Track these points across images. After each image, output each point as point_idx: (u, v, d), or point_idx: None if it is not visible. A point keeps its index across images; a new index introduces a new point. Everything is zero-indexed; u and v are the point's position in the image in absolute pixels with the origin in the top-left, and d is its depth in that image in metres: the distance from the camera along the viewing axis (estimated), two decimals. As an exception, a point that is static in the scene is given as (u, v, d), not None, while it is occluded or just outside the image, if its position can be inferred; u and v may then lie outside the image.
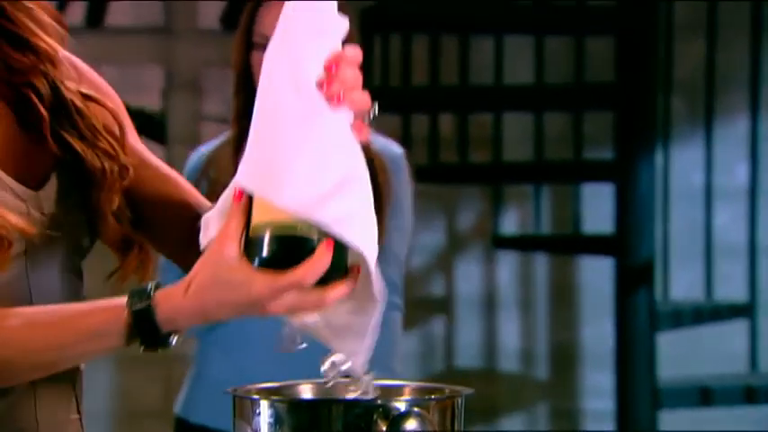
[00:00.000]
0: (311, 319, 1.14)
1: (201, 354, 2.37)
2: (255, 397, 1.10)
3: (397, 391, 1.15)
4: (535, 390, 4.56)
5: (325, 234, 1.11)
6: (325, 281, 1.11)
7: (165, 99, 4.40)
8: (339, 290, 1.14)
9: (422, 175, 3.90)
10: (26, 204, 1.26)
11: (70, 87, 1.30)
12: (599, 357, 4.19)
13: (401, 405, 1.06)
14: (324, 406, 1.11)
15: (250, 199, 1.14)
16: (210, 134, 4.35)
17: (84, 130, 1.29)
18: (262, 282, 1.12)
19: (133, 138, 1.36)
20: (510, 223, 4.43)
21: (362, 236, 1.12)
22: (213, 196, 2.27)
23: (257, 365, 2.25)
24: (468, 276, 4.52)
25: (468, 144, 3.86)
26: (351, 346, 1.15)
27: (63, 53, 1.30)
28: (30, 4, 1.28)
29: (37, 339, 1.19)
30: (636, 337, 3.56)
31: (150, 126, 4.38)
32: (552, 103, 3.84)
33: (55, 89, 1.29)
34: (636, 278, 3.54)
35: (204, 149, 2.40)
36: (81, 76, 1.33)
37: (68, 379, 1.30)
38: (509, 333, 4.54)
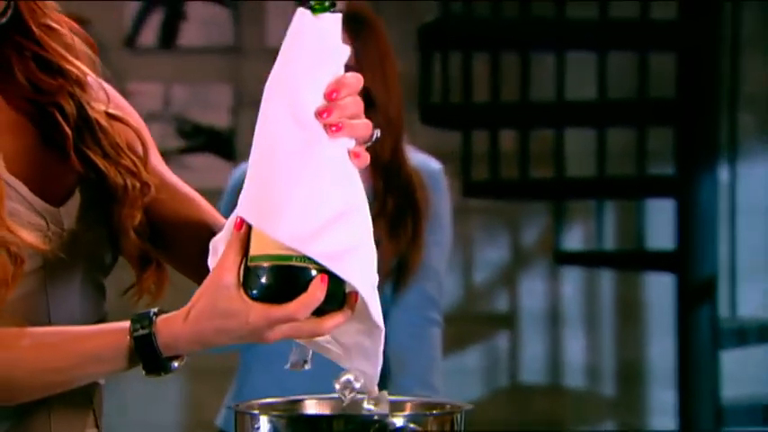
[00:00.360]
0: (321, 338, 1.13)
1: (243, 367, 2.37)
2: (255, 412, 1.09)
3: (398, 406, 1.12)
4: (601, 406, 4.49)
5: (321, 266, 1.09)
6: (321, 311, 1.11)
7: (233, 116, 4.43)
8: (335, 320, 1.14)
9: (482, 190, 3.89)
10: (45, 220, 1.27)
11: (96, 107, 1.32)
12: (665, 375, 4.11)
13: (399, 420, 1.04)
14: (322, 421, 1.10)
15: (250, 228, 1.14)
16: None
17: (108, 148, 1.31)
18: (257, 312, 1.13)
19: (155, 158, 1.38)
20: (574, 239, 4.37)
21: (359, 269, 1.11)
22: None
23: (296, 380, 2.25)
24: (532, 292, 4.47)
25: (529, 160, 3.82)
26: (362, 365, 1.15)
27: (92, 77, 1.33)
28: (62, 31, 1.31)
29: (45, 360, 1.20)
30: (698, 355, 3.48)
31: (219, 143, 4.41)
32: (615, 118, 3.78)
33: (80, 108, 1.31)
34: (697, 295, 3.46)
35: (245, 166, 2.37)
36: (108, 97, 1.35)
37: (85, 394, 1.30)
38: (574, 349, 4.48)
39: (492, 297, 4.52)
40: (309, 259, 1.09)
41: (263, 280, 1.10)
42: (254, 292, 1.11)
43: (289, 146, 1.11)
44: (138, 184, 1.31)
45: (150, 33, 4.40)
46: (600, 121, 3.75)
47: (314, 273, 1.09)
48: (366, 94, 2.24)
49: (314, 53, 1.13)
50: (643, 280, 4.35)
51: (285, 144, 1.11)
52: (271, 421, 1.07)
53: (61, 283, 1.29)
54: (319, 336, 1.15)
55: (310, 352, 1.14)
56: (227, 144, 4.42)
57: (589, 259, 4.04)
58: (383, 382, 2.26)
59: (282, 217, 1.09)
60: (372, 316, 1.12)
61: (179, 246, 1.36)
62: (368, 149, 2.23)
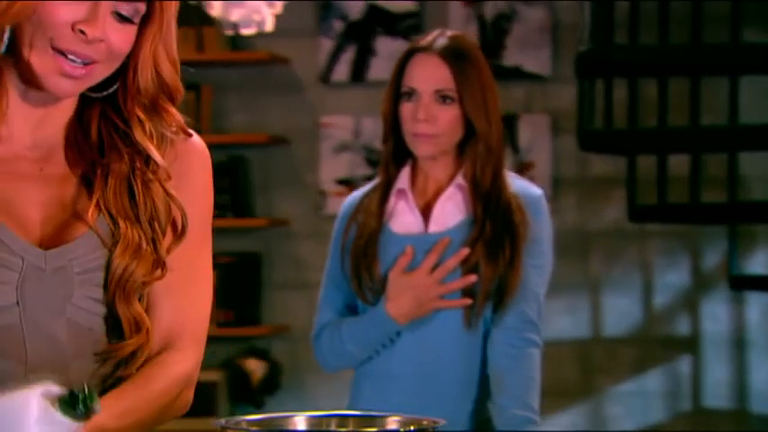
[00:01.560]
0: None
1: (355, 386, 2.37)
2: (242, 426, 1.07)
3: (378, 421, 1.09)
4: (788, 432, 4.25)
5: None
6: None
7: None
8: None
9: (648, 215, 3.76)
10: (22, 260, 1.31)
11: (150, 177, 1.36)
12: None
13: (375, 438, 1.01)
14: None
15: None
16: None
17: (142, 215, 1.35)
18: None
19: (191, 244, 1.39)
20: (758, 263, 4.17)
21: None
22: (361, 240, 2.28)
23: (403, 399, 2.25)
24: (713, 316, 4.28)
25: (702, 183, 3.66)
26: None
27: (163, 162, 1.36)
28: (146, 123, 1.36)
29: None
30: None
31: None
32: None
33: (131, 173, 1.35)
34: None
35: (357, 194, 2.39)
36: (180, 178, 1.38)
37: None
38: (760, 374, 4.26)
39: (672, 320, 4.35)
40: None
41: None
42: None
43: None
44: (151, 256, 1.34)
45: (343, 69, 4.49)
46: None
47: None
48: (468, 124, 2.26)
49: None
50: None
51: None
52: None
53: (40, 318, 1.30)
54: None
55: None
56: (412, 172, 4.44)
57: (764, 284, 3.83)
58: (483, 400, 2.26)
59: None
60: None
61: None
62: (470, 177, 2.23)
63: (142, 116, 1.35)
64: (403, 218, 2.29)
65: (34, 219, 1.33)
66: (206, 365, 4.72)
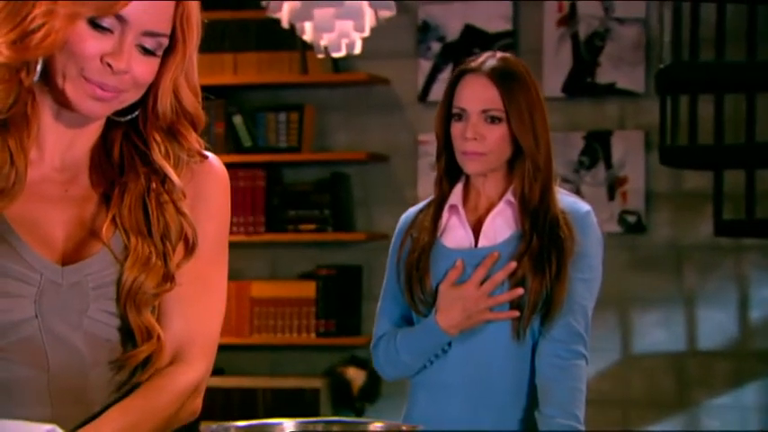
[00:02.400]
0: None
1: (411, 395, 2.39)
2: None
3: (361, 427, 1.10)
4: None
5: None
6: None
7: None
8: None
9: (734, 229, 3.67)
10: (41, 275, 1.35)
11: (165, 198, 1.40)
12: None
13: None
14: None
15: None
16: (552, 193, 4.34)
17: (155, 232, 1.39)
18: None
19: (202, 259, 1.42)
20: None
21: None
22: (414, 254, 2.32)
23: (455, 408, 2.27)
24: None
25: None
26: None
27: (178, 182, 1.41)
28: (163, 145, 1.41)
29: None
30: None
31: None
32: None
33: (146, 192, 1.40)
34: None
35: (413, 210, 2.42)
36: (195, 197, 1.43)
37: None
38: None
39: (768, 334, 4.24)
40: None
41: None
42: None
43: None
44: (161, 269, 1.38)
45: (440, 88, 4.49)
46: None
47: None
48: (516, 142, 2.28)
49: None
50: None
51: None
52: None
53: (59, 329, 1.35)
54: None
55: None
56: (507, 187, 4.43)
57: None
58: (532, 410, 2.26)
59: None
60: None
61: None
62: (518, 194, 2.26)
63: (159, 139, 1.40)
64: (455, 233, 2.31)
65: (57, 237, 1.38)
66: (309, 373, 4.80)
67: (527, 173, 2.26)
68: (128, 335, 1.40)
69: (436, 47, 4.48)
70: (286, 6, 3.24)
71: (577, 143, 4.37)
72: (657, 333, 4.30)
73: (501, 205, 2.29)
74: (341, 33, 3.25)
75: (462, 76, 2.31)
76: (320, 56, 3.42)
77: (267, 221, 4.48)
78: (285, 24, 3.31)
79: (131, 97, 1.38)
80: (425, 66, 4.51)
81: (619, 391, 4.32)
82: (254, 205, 4.48)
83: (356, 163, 4.52)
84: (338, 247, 4.50)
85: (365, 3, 3.21)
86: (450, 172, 2.34)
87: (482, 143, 2.26)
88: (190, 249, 1.40)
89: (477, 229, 2.30)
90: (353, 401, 4.42)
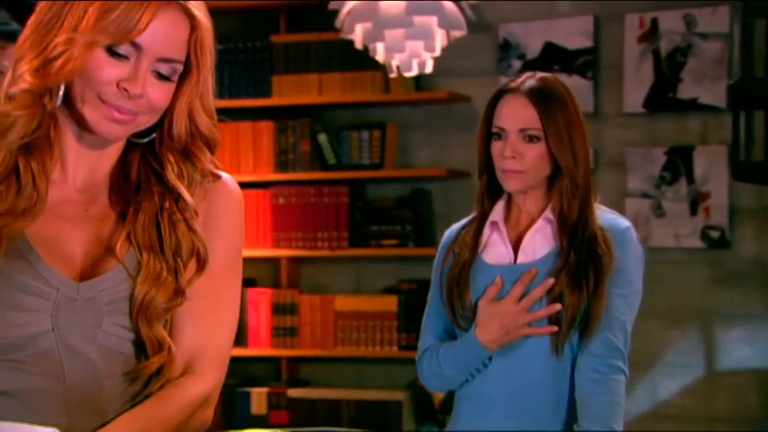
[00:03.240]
0: None
1: (456, 407, 2.37)
2: None
3: None
4: None
5: None
6: None
7: (593, 177, 4.31)
8: None
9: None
10: (57, 290, 1.38)
11: (177, 217, 1.43)
12: None
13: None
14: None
15: None
16: (633, 209, 4.22)
17: (167, 249, 1.42)
18: None
19: (213, 275, 1.44)
20: None
21: None
22: (456, 269, 2.32)
23: (496, 421, 2.26)
24: None
25: None
26: None
27: (191, 201, 1.44)
28: (176, 165, 1.45)
29: None
30: None
31: (580, 202, 4.32)
32: None
33: (160, 210, 1.43)
34: None
35: (456, 227, 2.42)
36: (207, 215, 1.46)
37: None
38: None
39: None
40: None
41: None
42: None
43: None
44: (172, 284, 1.41)
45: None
46: None
47: None
48: (554, 161, 2.26)
49: None
50: None
51: None
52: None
53: (75, 342, 1.38)
54: None
55: None
56: (587, 203, 4.33)
57: None
58: (573, 423, 2.23)
59: None
60: None
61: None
62: (557, 211, 2.25)
63: (172, 159, 1.43)
64: (495, 249, 2.31)
65: (76, 254, 1.42)
66: (392, 386, 4.75)
67: (566, 190, 2.25)
68: (141, 347, 1.42)
69: (517, 64, 4.41)
70: (359, 28, 3.23)
71: (659, 158, 4.26)
72: (742, 349, 4.15)
73: (540, 222, 2.28)
74: (412, 53, 3.23)
75: (501, 95, 2.32)
76: (392, 75, 3.42)
77: (350, 237, 4.47)
78: (359, 45, 3.31)
79: (148, 120, 1.41)
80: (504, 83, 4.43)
81: (703, 407, 4.18)
82: (337, 221, 4.47)
83: (437, 179, 4.47)
84: (419, 262, 4.44)
85: (435, 23, 3.18)
86: (491, 189, 2.34)
87: (521, 161, 2.25)
88: (201, 265, 1.43)
89: (517, 246, 2.30)
90: (435, 414, 4.36)
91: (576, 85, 4.38)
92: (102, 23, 1.34)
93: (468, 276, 2.27)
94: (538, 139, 2.25)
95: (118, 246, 1.41)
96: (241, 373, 4.59)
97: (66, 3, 1.37)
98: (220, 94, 4.66)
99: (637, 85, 4.29)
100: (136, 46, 1.36)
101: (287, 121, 4.52)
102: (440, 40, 3.26)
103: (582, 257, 2.21)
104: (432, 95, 4.45)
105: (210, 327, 1.45)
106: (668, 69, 4.25)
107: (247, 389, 4.50)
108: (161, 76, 1.39)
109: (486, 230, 2.32)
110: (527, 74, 2.33)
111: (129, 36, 1.35)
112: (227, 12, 4.62)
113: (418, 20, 3.14)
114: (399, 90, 4.43)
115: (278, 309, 4.52)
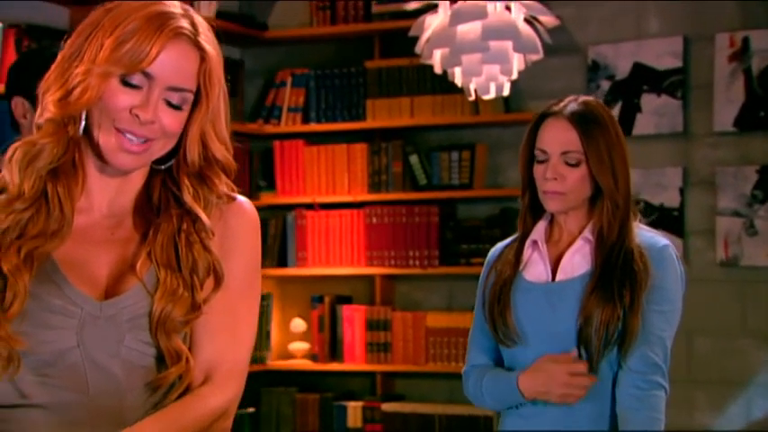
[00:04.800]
0: None
1: (502, 416, 2.34)
2: None
3: None
4: None
5: None
6: None
7: (682, 196, 4.13)
8: None
9: None
10: (81, 309, 1.42)
11: (194, 237, 1.46)
12: None
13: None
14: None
15: None
16: (724, 227, 4.00)
17: (184, 267, 1.45)
18: None
19: (229, 292, 1.47)
20: None
21: None
22: (497, 286, 2.28)
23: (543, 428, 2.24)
24: None
25: None
26: None
27: (208, 222, 1.48)
28: (192, 188, 1.49)
29: None
30: None
31: (669, 220, 4.14)
32: None
33: (178, 231, 1.47)
34: None
35: (500, 245, 2.38)
36: (222, 235, 1.49)
37: None
38: None
39: None
40: None
41: None
42: None
43: None
44: (188, 300, 1.44)
45: (610, 125, 4.25)
46: None
47: None
48: (595, 182, 2.21)
49: None
50: None
51: None
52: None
53: (99, 358, 1.42)
54: None
55: None
56: (677, 221, 4.13)
57: None
58: None
59: None
60: None
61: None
62: (597, 232, 2.23)
63: (188, 183, 1.48)
64: (534, 267, 2.28)
65: (101, 276, 1.46)
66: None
67: (606, 211, 2.22)
68: (161, 361, 1.46)
69: (605, 85, 4.26)
70: (437, 54, 3.22)
71: (751, 177, 4.05)
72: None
73: (579, 242, 2.25)
74: (489, 77, 3.22)
75: (544, 119, 2.28)
76: (470, 98, 3.41)
77: (441, 255, 4.39)
78: (438, 70, 3.33)
79: (163, 146, 1.46)
80: (595, 104, 4.26)
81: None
82: (428, 240, 4.40)
83: (527, 199, 4.32)
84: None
85: (511, 47, 3.16)
86: (534, 209, 2.31)
87: (562, 183, 2.22)
88: (218, 282, 1.46)
89: (557, 264, 2.27)
90: (525, 430, 4.21)
91: (665, 105, 4.20)
92: (116, 55, 1.40)
93: (508, 294, 2.25)
94: (579, 163, 2.23)
95: (139, 264, 1.45)
96: (338, 387, 4.54)
97: (87, 38, 1.43)
98: (317, 118, 4.63)
99: (727, 105, 4.09)
100: (147, 76, 1.41)
101: (380, 144, 4.49)
102: (516, 63, 3.23)
103: (617, 274, 2.19)
104: (520, 116, 4.33)
105: (228, 341, 1.48)
106: (760, 88, 4.04)
107: (343, 402, 4.47)
108: (172, 105, 1.44)
109: (528, 249, 2.29)
110: (570, 97, 2.31)
111: (139, 66, 1.40)
112: (323, 40, 4.62)
113: (494, 44, 3.14)
114: (488, 112, 4.35)
115: (372, 325, 4.46)
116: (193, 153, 1.47)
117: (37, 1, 3.73)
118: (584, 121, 2.23)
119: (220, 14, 4.37)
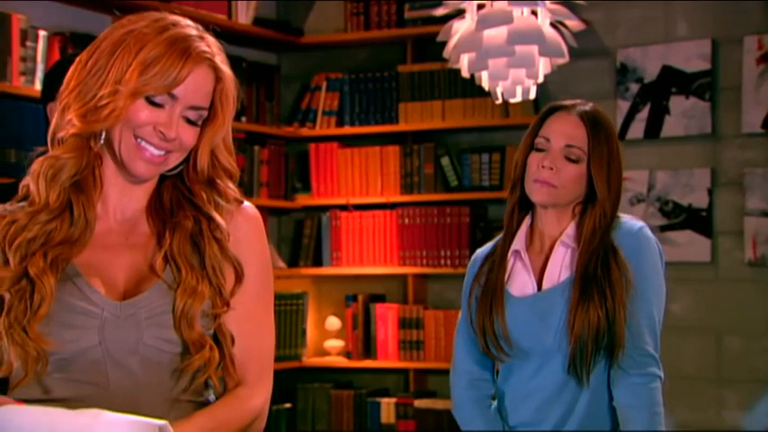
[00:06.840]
0: None
1: (499, 399, 2.27)
2: None
3: None
4: None
5: None
6: None
7: (711, 197, 3.96)
8: None
9: None
10: (102, 310, 1.45)
11: (210, 237, 1.49)
12: None
13: None
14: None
15: None
16: (752, 227, 3.84)
17: (207, 264, 1.47)
18: None
19: (250, 292, 1.50)
20: None
21: None
22: (484, 300, 2.17)
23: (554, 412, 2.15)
24: None
25: None
26: None
27: (222, 222, 1.51)
28: (203, 193, 1.51)
29: None
30: None
31: (697, 220, 3.98)
32: None
33: (195, 231, 1.49)
34: None
35: (480, 254, 2.27)
36: (228, 236, 1.51)
37: None
38: None
39: None
40: None
41: None
42: None
43: None
44: (208, 294, 1.46)
45: (638, 127, 4.13)
46: None
47: None
48: (589, 186, 2.11)
49: None
50: None
51: None
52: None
53: (119, 354, 1.45)
54: None
55: None
56: (706, 221, 3.97)
57: None
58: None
59: None
60: None
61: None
62: (580, 238, 2.14)
63: (200, 188, 1.51)
64: (519, 278, 2.17)
65: (119, 278, 1.49)
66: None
67: (595, 217, 2.11)
68: (178, 357, 1.47)
69: (634, 87, 4.11)
70: (464, 58, 3.15)
71: (779, 178, 3.87)
72: None
73: (560, 249, 2.14)
74: (515, 81, 3.12)
75: (553, 112, 2.18)
76: (498, 102, 3.32)
77: (472, 255, 4.21)
78: (465, 74, 3.27)
79: (178, 158, 1.51)
80: (624, 106, 4.15)
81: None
82: (459, 240, 4.31)
83: (557, 200, 4.18)
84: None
85: (536, 51, 3.05)
86: (523, 204, 2.19)
87: (557, 175, 2.11)
88: (239, 279, 1.49)
89: (542, 272, 2.15)
90: (555, 428, 4.08)
91: (694, 107, 4.04)
92: (144, 77, 1.44)
93: (496, 308, 2.14)
94: (579, 160, 2.13)
95: (157, 264, 1.48)
96: (371, 383, 4.45)
97: (109, 60, 1.46)
98: (351, 121, 4.53)
99: (756, 106, 3.93)
100: (172, 96, 1.47)
101: (412, 146, 4.41)
102: (542, 67, 3.12)
103: (598, 281, 2.08)
104: (550, 119, 4.18)
105: (249, 341, 1.50)
106: (788, 90, 3.87)
107: (377, 399, 4.38)
108: (190, 121, 1.49)
109: (510, 259, 2.18)
110: (579, 100, 2.21)
111: (168, 88, 1.45)
112: (357, 45, 4.55)
113: (520, 49, 3.04)
114: (518, 114, 4.24)
115: (404, 323, 4.38)
116: (204, 163, 1.51)
117: (81, 9, 3.69)
118: (594, 122, 2.15)
119: (258, 21, 4.29)
